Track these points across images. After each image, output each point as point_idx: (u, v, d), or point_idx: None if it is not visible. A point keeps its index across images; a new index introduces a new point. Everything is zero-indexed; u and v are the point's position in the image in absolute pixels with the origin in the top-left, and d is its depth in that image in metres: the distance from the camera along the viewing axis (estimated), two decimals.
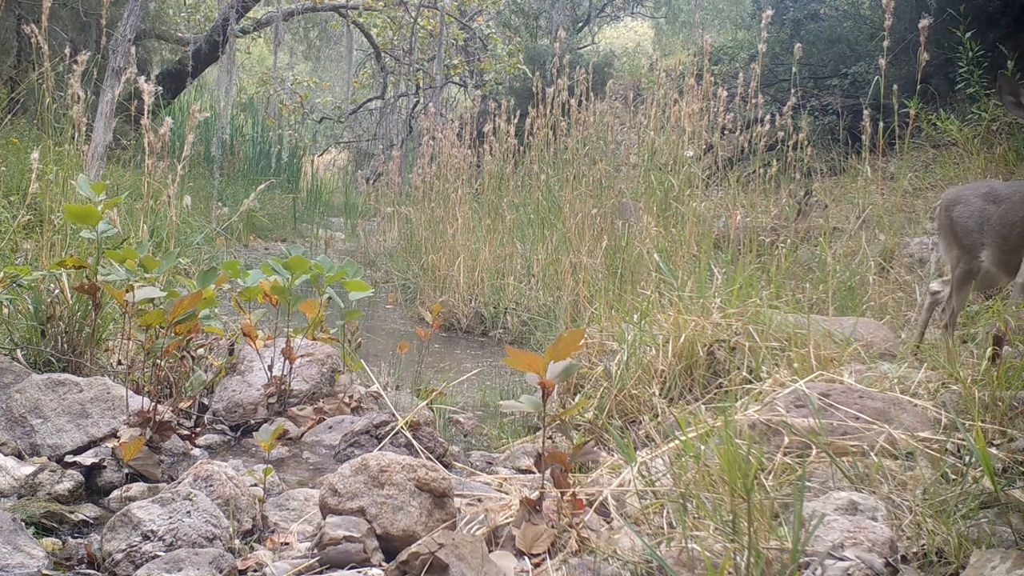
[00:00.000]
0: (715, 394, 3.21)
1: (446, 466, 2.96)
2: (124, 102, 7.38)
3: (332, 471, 2.41)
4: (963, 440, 2.24)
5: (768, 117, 6.42)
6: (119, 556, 2.06)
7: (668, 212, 5.62)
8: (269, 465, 2.73)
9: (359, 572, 2.07)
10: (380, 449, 2.91)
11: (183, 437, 3.02)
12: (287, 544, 2.27)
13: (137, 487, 2.61)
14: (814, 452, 2.28)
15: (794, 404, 2.53)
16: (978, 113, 6.42)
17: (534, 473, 2.88)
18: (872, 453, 2.23)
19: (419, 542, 1.99)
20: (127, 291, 3.05)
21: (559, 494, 2.22)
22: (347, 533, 2.12)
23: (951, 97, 7.94)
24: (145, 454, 2.72)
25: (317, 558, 2.12)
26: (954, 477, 2.11)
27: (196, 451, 3.05)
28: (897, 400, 2.53)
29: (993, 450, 2.20)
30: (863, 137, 5.34)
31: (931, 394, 2.73)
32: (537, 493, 2.23)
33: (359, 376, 3.78)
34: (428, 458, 2.79)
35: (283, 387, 3.40)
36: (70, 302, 3.28)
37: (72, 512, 2.41)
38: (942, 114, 6.59)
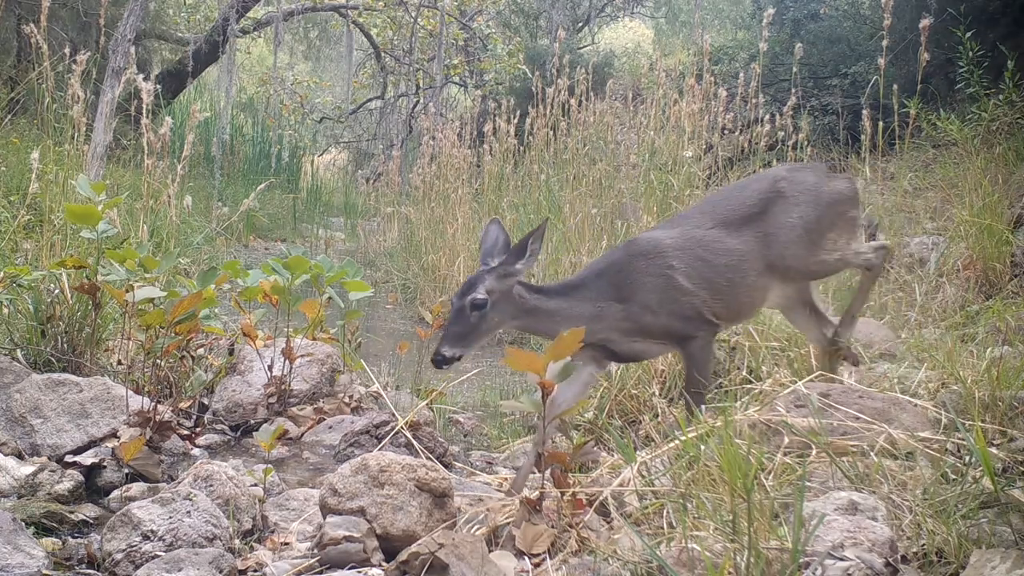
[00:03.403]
0: (715, 394, 3.21)
1: (446, 466, 2.96)
2: (124, 102, 7.37)
3: (332, 471, 2.41)
4: (963, 440, 2.24)
5: (768, 117, 6.42)
6: (119, 556, 2.06)
7: (668, 212, 5.61)
8: (269, 465, 2.73)
9: (359, 572, 2.08)
10: (380, 449, 2.91)
11: (183, 437, 3.02)
12: (287, 544, 2.27)
13: (137, 487, 2.61)
14: (814, 452, 2.28)
15: (794, 404, 2.53)
16: (978, 113, 6.41)
17: (534, 473, 2.88)
18: (872, 453, 2.23)
19: (419, 542, 1.99)
20: (127, 291, 3.05)
21: (559, 494, 2.22)
22: (347, 533, 2.12)
23: (951, 97, 7.92)
24: (145, 454, 2.72)
25: (317, 558, 2.12)
26: (954, 477, 2.11)
27: (196, 451, 3.05)
28: (897, 400, 2.53)
29: (993, 450, 2.20)
30: (863, 137, 5.33)
31: (931, 394, 2.73)
32: (537, 493, 2.23)
33: (359, 376, 3.78)
34: (428, 458, 2.79)
35: (283, 387, 3.40)
36: (70, 302, 3.28)
37: (72, 512, 2.41)
38: (942, 114, 6.57)
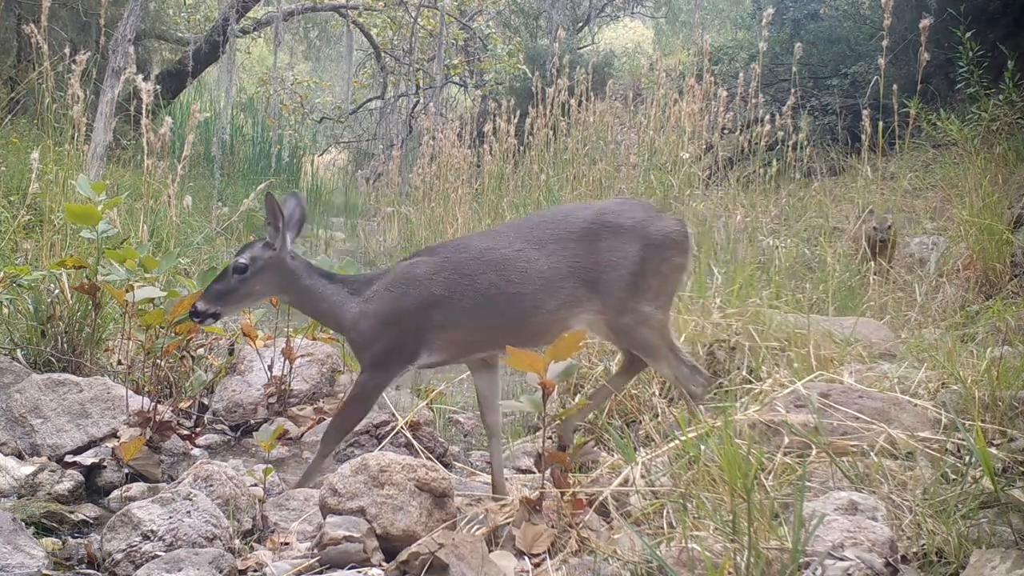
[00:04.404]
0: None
1: (446, 466, 2.96)
2: (124, 102, 7.37)
3: (332, 471, 2.41)
4: (963, 440, 2.24)
5: (768, 117, 6.41)
6: (119, 556, 2.06)
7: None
8: (269, 465, 2.73)
9: (359, 572, 2.08)
10: (380, 449, 2.91)
11: (183, 437, 3.02)
12: (287, 544, 2.27)
13: (137, 487, 2.62)
14: (814, 452, 2.28)
15: (794, 404, 2.53)
16: (978, 113, 6.41)
17: (534, 473, 2.88)
18: (872, 453, 2.24)
19: (419, 542, 1.99)
20: (127, 291, 3.05)
21: (559, 494, 2.22)
22: (347, 533, 2.12)
23: (951, 97, 7.93)
24: (145, 454, 2.73)
25: (317, 558, 2.12)
26: (954, 477, 2.11)
27: (196, 451, 3.05)
28: (897, 400, 2.53)
29: (993, 450, 2.20)
30: (863, 137, 5.33)
31: (931, 394, 2.73)
32: (537, 493, 2.23)
33: None
34: (428, 458, 2.79)
35: (283, 387, 3.40)
36: (70, 302, 3.28)
37: (72, 512, 2.42)
38: (942, 114, 6.58)
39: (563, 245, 2.55)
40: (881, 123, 4.99)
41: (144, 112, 3.99)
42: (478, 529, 2.26)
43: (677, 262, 2.62)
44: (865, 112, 5.32)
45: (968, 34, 6.42)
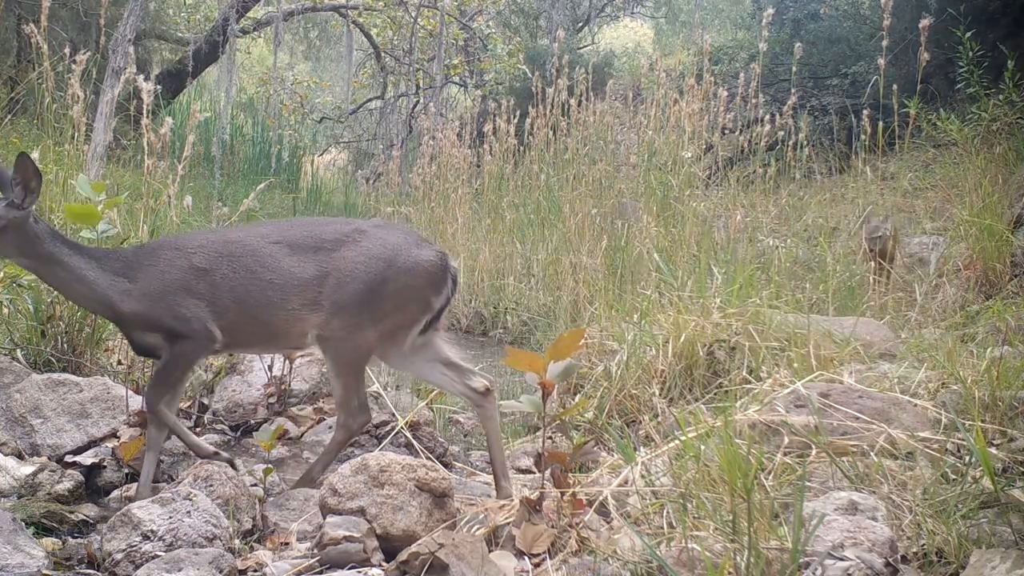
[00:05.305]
0: (715, 394, 3.21)
1: (446, 466, 2.96)
2: (124, 102, 7.36)
3: (332, 471, 2.42)
4: (963, 440, 2.24)
5: (768, 117, 6.41)
6: (119, 556, 2.06)
7: (668, 212, 5.61)
8: (269, 465, 2.74)
9: (359, 572, 2.08)
10: (380, 449, 2.91)
11: None
12: (287, 544, 2.27)
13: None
14: (814, 452, 2.28)
15: (794, 404, 2.53)
16: (978, 113, 6.41)
17: (534, 473, 2.88)
18: (872, 453, 2.24)
19: (419, 542, 1.99)
20: None
21: (559, 494, 2.22)
22: (347, 533, 2.12)
23: (951, 97, 7.93)
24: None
25: (317, 558, 2.12)
26: (954, 477, 2.11)
27: None
28: (897, 400, 2.53)
29: (993, 450, 2.20)
30: (863, 137, 5.34)
31: (931, 394, 2.73)
32: (537, 493, 2.23)
33: None
34: (428, 458, 2.79)
35: (283, 387, 3.40)
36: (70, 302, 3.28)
37: (72, 512, 2.42)
38: (942, 114, 6.57)
39: (314, 252, 2.60)
40: (881, 123, 4.99)
41: (144, 112, 3.98)
42: (478, 529, 2.26)
43: (421, 294, 2.61)
44: (865, 112, 5.33)
45: (968, 34, 6.41)
